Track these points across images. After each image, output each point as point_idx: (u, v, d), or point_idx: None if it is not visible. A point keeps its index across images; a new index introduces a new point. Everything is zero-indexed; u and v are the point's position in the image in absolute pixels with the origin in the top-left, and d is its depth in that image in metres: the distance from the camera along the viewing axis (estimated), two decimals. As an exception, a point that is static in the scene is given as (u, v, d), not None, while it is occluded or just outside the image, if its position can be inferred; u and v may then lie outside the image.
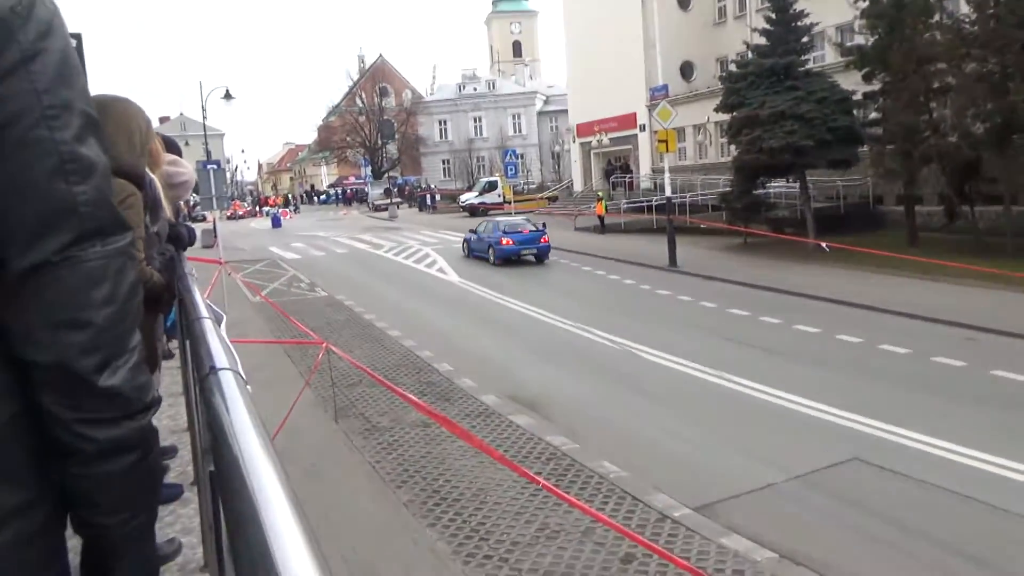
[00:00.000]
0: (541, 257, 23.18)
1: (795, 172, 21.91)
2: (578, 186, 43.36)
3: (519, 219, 27.44)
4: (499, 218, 28.67)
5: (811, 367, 10.28)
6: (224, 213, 52.53)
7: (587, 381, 10.09)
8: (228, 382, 1.34)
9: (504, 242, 23.49)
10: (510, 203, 36.63)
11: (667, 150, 20.35)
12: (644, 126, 37.51)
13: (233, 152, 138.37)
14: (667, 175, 21.38)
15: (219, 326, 2.19)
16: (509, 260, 23.04)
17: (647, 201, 30.48)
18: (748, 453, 7.44)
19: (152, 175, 3.24)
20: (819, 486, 6.62)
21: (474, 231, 26.00)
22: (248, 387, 1.41)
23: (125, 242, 0.96)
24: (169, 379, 5.67)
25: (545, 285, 18.17)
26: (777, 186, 25.61)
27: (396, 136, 69.62)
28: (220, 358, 1.49)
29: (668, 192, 21.16)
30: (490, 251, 23.98)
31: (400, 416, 8.40)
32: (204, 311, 2.26)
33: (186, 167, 4.16)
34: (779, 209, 24.40)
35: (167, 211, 3.47)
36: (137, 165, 2.96)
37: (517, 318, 14.36)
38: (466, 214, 44.33)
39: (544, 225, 25.51)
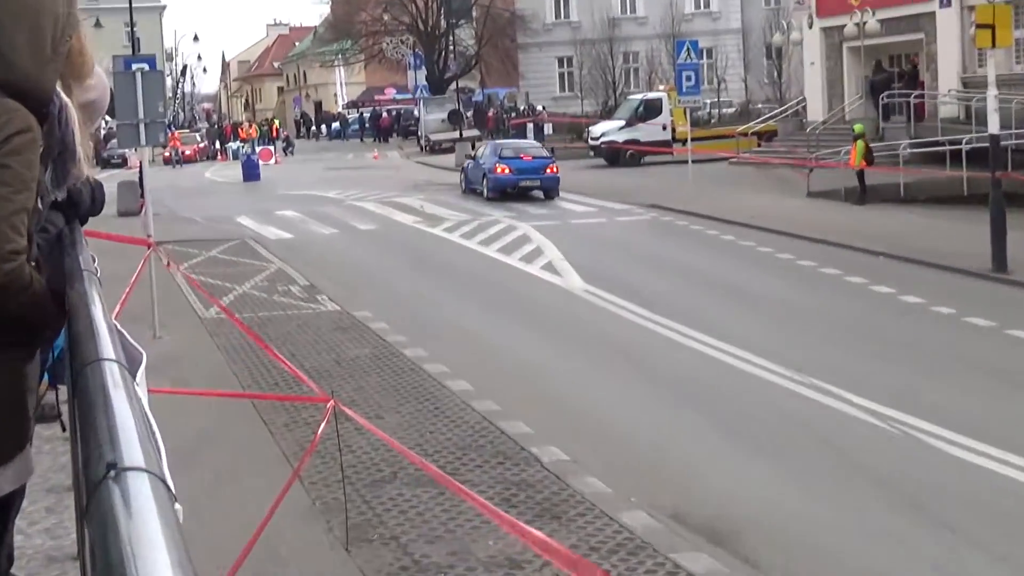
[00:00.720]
0: (548, 192, 32.00)
1: None
2: (816, 112, 42.60)
3: (524, 142, 38.22)
4: (502, 140, 39.14)
5: None
6: (158, 153, 54.55)
7: (825, 490, 9.92)
8: (138, 495, 1.34)
9: (499, 170, 31.81)
10: (684, 142, 36.36)
11: (993, 44, 19.93)
12: (948, -1, 36.56)
13: (180, 42, 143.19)
14: (992, 93, 20.76)
15: (132, 377, 2.22)
16: (506, 194, 31.59)
17: (949, 143, 29.67)
18: None
19: (65, 97, 3.33)
20: None
21: (472, 157, 35.00)
22: (177, 507, 1.41)
23: None
24: (50, 461, 5.88)
25: (741, 301, 17.98)
26: None
27: (474, 14, 70.35)
28: (128, 447, 1.49)
29: (994, 126, 20.57)
30: (484, 181, 32.30)
31: (467, 546, 8.41)
32: (108, 347, 2.30)
33: (96, 75, 4.27)
34: None
35: (83, 162, 3.54)
36: (41, 77, 3.03)
37: (687, 359, 14.28)
38: (600, 160, 44.45)
39: (553, 151, 35.34)
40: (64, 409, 5.94)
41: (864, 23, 38.85)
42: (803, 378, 13.18)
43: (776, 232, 24.52)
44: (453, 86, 62.77)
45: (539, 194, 32.22)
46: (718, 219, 26.86)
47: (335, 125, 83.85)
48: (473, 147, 40.99)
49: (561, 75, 69.77)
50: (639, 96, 49.14)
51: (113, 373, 2.09)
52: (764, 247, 23.14)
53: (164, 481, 1.43)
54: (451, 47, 67.37)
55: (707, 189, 31.42)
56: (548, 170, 32.29)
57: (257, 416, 11.33)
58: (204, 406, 11.12)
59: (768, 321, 16.50)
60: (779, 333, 15.64)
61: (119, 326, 2.65)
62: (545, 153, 34.74)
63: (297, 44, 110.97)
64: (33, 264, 3.02)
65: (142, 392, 2.10)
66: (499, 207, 30.86)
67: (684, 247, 23.91)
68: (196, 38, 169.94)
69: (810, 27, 43.64)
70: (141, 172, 19.29)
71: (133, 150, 30.69)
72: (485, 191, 32.31)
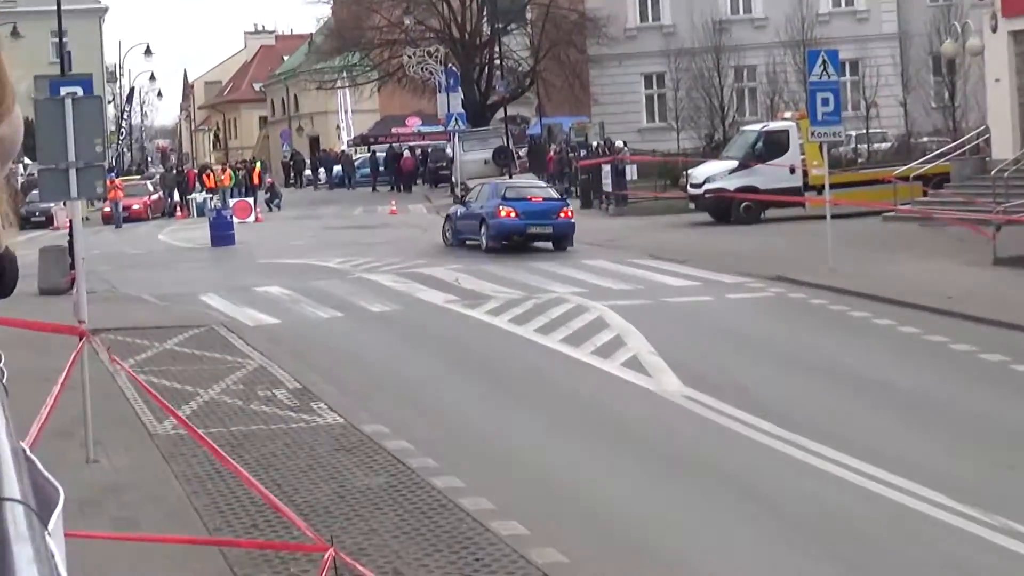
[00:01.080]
0: (560, 241, 36.16)
1: None
2: (1005, 148, 42.56)
3: (530, 181, 44.38)
4: (504, 180, 44.95)
5: None
6: (96, 207, 55.06)
7: None
8: None
9: (503, 213, 35.76)
10: (820, 190, 36.35)
11: None
12: None
13: (126, 56, 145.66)
14: None
15: (44, 525, 2.14)
16: (511, 243, 36.11)
17: None
18: None
19: None
20: None
21: (464, 202, 40.25)
22: None
23: None
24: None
25: (904, 410, 17.92)
26: None
27: (528, 15, 70.62)
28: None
29: None
30: (482, 228, 36.35)
31: None
32: (12, 482, 2.23)
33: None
34: None
35: (4, 230, 3.49)
36: None
37: (832, 494, 14.14)
38: (704, 215, 44.68)
39: (567, 191, 41.37)
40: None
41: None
42: (997, 521, 12.93)
43: (949, 314, 24.39)
44: (500, 114, 62.93)
45: (548, 244, 36.37)
46: (868, 296, 26.85)
47: (337, 169, 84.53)
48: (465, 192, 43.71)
49: (649, 98, 70.10)
50: (757, 127, 49.16)
51: (16, 519, 2.02)
52: (933, 335, 22.90)
53: None
54: (497, 61, 67.27)
55: (852, 255, 31.47)
56: (561, 214, 36.38)
57: (228, 570, 11.27)
58: (157, 556, 11.09)
59: (943, 440, 16.32)
60: (958, 457, 15.47)
61: (28, 451, 2.57)
62: (555, 195, 39.72)
63: (286, 59, 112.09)
64: None
65: (56, 545, 2.02)
66: (561, 280, 30.91)
67: (821, 335, 23.86)
68: (149, 51, 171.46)
69: (994, 31, 43.57)
70: (71, 235, 19.43)
71: (61, 205, 30.92)
72: (484, 241, 36.24)
